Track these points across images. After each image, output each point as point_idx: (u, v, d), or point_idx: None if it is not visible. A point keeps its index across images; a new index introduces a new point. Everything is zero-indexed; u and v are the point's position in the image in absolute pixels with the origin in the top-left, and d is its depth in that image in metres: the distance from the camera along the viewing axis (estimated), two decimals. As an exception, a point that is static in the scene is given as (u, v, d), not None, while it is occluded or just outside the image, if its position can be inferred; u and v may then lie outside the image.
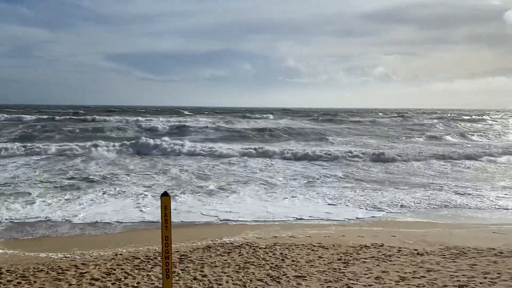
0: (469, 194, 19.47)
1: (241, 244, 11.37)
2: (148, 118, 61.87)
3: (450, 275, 8.87)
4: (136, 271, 9.00)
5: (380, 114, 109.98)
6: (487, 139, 49.47)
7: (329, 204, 17.24)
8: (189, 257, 10.11)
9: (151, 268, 9.27)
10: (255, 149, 32.58)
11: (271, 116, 77.70)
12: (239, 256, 10.27)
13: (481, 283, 8.32)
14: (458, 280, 8.38)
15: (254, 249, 10.93)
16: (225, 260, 9.91)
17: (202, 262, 9.72)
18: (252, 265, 9.54)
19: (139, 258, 9.99)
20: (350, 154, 30.74)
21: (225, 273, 8.96)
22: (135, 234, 13.12)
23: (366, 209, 16.57)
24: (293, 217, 15.20)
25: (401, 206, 17.16)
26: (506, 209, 16.78)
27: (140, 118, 61.68)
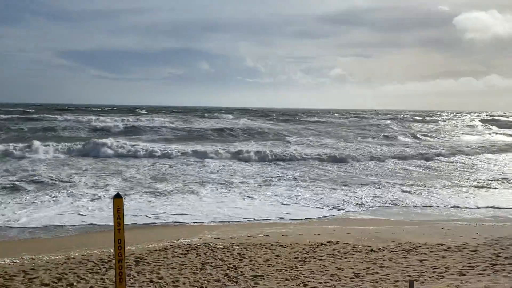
0: (420, 192, 20.27)
1: (199, 245, 11.29)
2: (102, 117, 59.62)
3: (402, 270, 9.20)
4: (89, 275, 8.73)
5: (337, 114, 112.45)
6: (438, 139, 51.64)
7: (286, 204, 17.43)
8: (145, 259, 9.92)
9: (105, 271, 9.02)
10: (213, 149, 32.42)
11: (231, 116, 77.58)
12: (196, 257, 10.19)
13: (430, 277, 8.67)
14: (409, 275, 8.70)
15: (212, 249, 10.88)
16: (182, 261, 9.80)
17: (159, 264, 9.56)
18: (210, 266, 9.49)
19: (92, 262, 9.70)
20: (307, 155, 31.21)
21: (182, 274, 8.86)
22: (89, 237, 12.73)
23: (323, 208, 16.89)
24: (251, 217, 15.25)
25: (356, 204, 17.62)
26: (454, 206, 17.58)
27: (93, 117, 59.27)
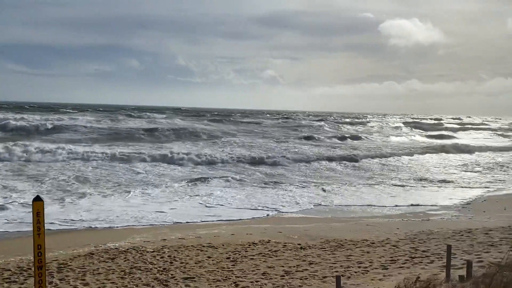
0: (346, 191, 21.17)
1: (127, 249, 10.90)
2: (20, 116, 54.76)
3: (330, 266, 9.53)
4: (6, 285, 8.10)
5: (269, 115, 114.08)
6: (366, 140, 54.03)
7: (216, 205, 17.39)
8: (69, 265, 9.40)
9: (24, 280, 8.42)
10: (142, 151, 31.44)
11: (162, 115, 75.79)
12: (125, 261, 9.83)
13: (356, 272, 9.07)
14: (336, 271, 9.03)
15: (141, 253, 10.56)
16: (110, 266, 9.41)
17: (84, 270, 9.10)
18: (139, 269, 9.20)
19: (9, 270, 9.01)
20: (239, 156, 31.26)
21: (109, 280, 8.51)
22: (5, 244, 11.80)
23: (254, 208, 17.05)
24: (180, 220, 15.01)
25: (287, 203, 18.00)
26: (380, 205, 18.56)
27: (9, 116, 54.46)
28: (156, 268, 9.33)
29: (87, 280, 8.45)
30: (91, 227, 13.75)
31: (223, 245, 11.41)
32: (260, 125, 69.54)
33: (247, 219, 15.41)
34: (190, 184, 21.54)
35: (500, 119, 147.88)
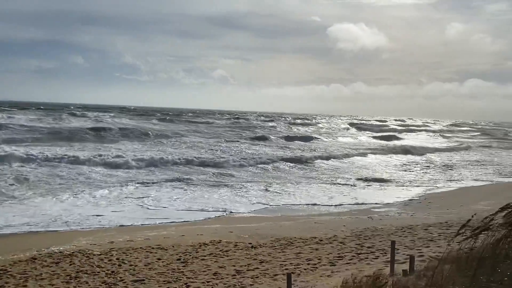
0: (296, 190, 21.56)
1: (73, 253, 10.51)
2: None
3: (280, 264, 9.70)
4: None
5: (219, 115, 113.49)
6: (316, 140, 54.94)
7: (164, 207, 17.16)
8: (9, 271, 8.93)
9: (-43, 289, 7.91)
10: (86, 152, 30.27)
11: (108, 114, 73.34)
12: (70, 265, 9.48)
13: (305, 269, 9.29)
14: (287, 269, 9.20)
15: (87, 256, 10.22)
16: (54, 271, 9.03)
17: (26, 275, 8.68)
18: (86, 273, 8.90)
19: None
20: (187, 157, 30.65)
21: (53, 285, 8.17)
22: None
23: (205, 209, 16.95)
24: (127, 222, 14.67)
25: (237, 203, 18.07)
26: (321, 204, 19.08)
27: None
28: (104, 271, 9.08)
29: (29, 286, 8.09)
30: (32, 231, 13.11)
31: (173, 246, 11.28)
32: (211, 125, 69.04)
33: (197, 220, 15.30)
34: (136, 185, 20.99)
35: (438, 121, 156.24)
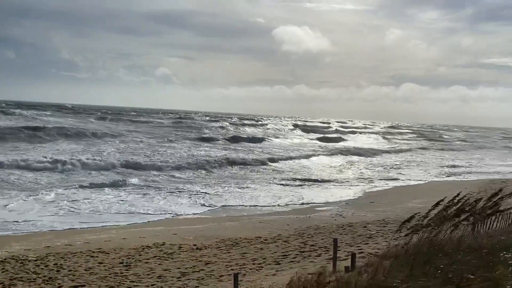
0: (242, 191, 21.64)
1: (5, 259, 9.89)
2: None
3: (226, 265, 9.71)
4: None
5: (162, 114, 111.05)
6: (263, 142, 54.77)
7: (103, 210, 16.60)
8: None
9: None
10: (15, 153, 28.34)
11: (43, 112, 69.48)
12: (3, 272, 8.91)
13: (251, 269, 9.37)
14: (232, 269, 9.23)
15: (22, 262, 9.65)
16: (-16, 279, 8.45)
17: (-49, 285, 8.05)
18: (21, 280, 8.42)
19: None
20: (126, 160, 29.43)
21: (-17, 295, 7.65)
22: None
23: (148, 213, 16.56)
24: (61, 227, 14.01)
25: (181, 205, 17.84)
26: (266, 205, 19.32)
27: None
28: (41, 277, 8.63)
29: (-45, 297, 7.51)
30: (-42, 237, 12.16)
31: (114, 250, 10.94)
32: (154, 124, 67.39)
33: (139, 222, 14.90)
34: (73, 188, 19.94)
35: (375, 123, 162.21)
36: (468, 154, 52.97)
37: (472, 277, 4.44)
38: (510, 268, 4.47)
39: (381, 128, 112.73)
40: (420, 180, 27.93)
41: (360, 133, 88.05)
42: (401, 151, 52.67)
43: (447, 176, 30.58)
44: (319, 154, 42.16)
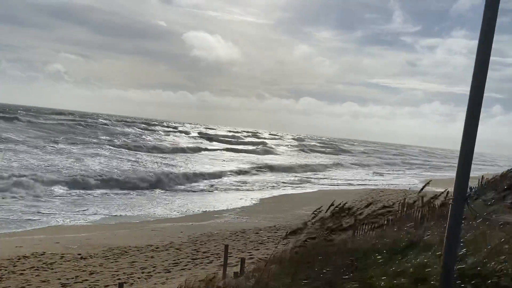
0: (135, 199, 20.88)
1: None
2: None
3: (112, 274, 9.23)
4: None
5: (55, 115, 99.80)
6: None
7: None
8: None
9: None
10: None
11: None
12: None
13: (139, 278, 9.03)
14: (119, 279, 8.80)
15: None
16: None
17: None
18: None
19: None
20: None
21: None
22: None
23: (28, 220, 15.19)
24: None
25: (65, 212, 16.66)
26: (160, 214, 18.91)
27: None
28: None
29: None
30: None
31: (-16, 261, 9.79)
32: (40, 125, 60.43)
33: (16, 231, 13.55)
34: None
35: (277, 133, 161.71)
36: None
37: (347, 277, 4.78)
38: (380, 269, 4.91)
39: (291, 140, 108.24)
40: (306, 188, 29.58)
41: (277, 144, 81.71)
42: (333, 166, 51.31)
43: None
44: (238, 169, 37.74)
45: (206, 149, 55.24)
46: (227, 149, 59.97)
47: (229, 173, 34.64)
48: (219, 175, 32.44)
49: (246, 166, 39.95)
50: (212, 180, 29.25)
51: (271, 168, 41.29)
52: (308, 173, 41.23)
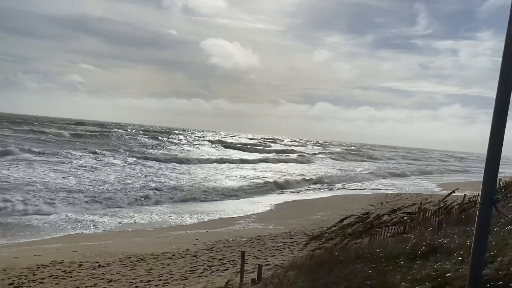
0: (148, 208, 20.97)
1: None
2: None
3: (130, 282, 9.27)
4: None
5: (82, 127, 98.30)
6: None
7: None
8: None
9: None
10: None
11: None
12: None
13: (156, 285, 9.05)
14: (137, 286, 8.85)
15: None
16: None
17: None
18: None
19: None
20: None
21: None
22: None
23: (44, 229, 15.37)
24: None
25: (81, 222, 16.81)
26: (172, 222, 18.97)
27: None
28: None
29: None
30: None
31: (4, 270, 9.94)
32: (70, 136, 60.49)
33: (34, 239, 13.72)
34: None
35: (297, 139, 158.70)
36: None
37: (367, 283, 4.73)
38: (400, 274, 4.84)
39: (315, 146, 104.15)
40: (320, 193, 29.41)
41: (315, 153, 75.28)
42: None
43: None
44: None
45: (246, 161, 50.70)
46: (262, 160, 54.52)
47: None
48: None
49: (309, 178, 37.63)
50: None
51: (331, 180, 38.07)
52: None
